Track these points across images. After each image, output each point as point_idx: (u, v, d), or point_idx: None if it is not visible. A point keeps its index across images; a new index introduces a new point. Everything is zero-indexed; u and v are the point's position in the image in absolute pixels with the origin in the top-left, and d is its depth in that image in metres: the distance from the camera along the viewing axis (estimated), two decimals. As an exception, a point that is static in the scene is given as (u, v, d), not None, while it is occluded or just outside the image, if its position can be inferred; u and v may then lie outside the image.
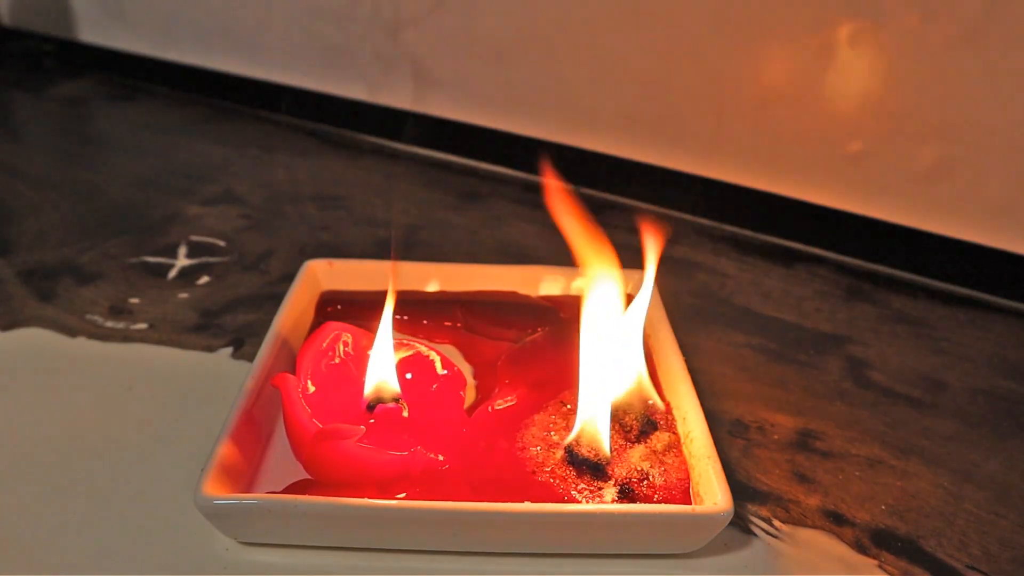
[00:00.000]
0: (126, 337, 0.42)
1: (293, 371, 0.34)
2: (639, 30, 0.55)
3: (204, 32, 0.75)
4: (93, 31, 0.82)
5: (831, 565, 0.31)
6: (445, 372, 0.36)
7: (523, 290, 0.43)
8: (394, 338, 0.35)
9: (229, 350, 0.41)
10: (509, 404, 0.35)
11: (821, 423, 0.38)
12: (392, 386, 0.33)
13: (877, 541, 0.32)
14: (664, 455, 0.32)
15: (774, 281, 0.50)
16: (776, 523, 0.32)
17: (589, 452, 0.31)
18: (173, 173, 0.62)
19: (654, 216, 0.37)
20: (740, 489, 0.34)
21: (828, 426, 0.38)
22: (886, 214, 0.51)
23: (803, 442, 0.37)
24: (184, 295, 0.46)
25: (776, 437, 0.37)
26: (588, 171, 0.61)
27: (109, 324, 0.43)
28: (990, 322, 0.47)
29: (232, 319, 0.44)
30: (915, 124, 0.48)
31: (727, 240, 0.55)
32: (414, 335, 0.40)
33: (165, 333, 0.42)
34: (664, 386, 0.36)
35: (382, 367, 0.34)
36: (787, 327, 0.46)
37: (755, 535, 0.32)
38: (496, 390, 0.36)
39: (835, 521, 0.33)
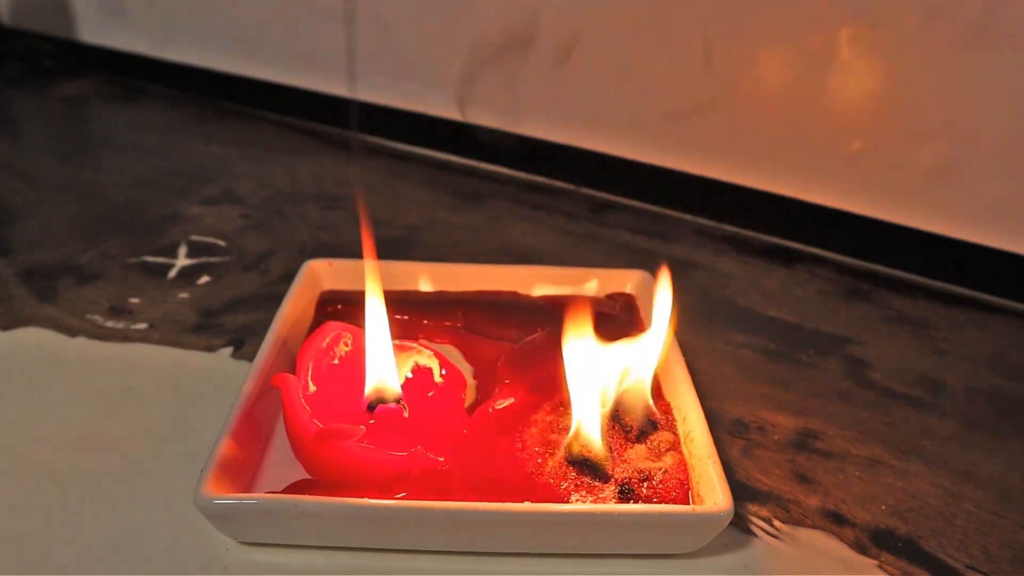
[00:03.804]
0: (126, 337, 0.42)
1: (293, 371, 0.34)
2: (640, 31, 0.55)
3: (204, 32, 0.75)
4: (93, 31, 0.82)
5: (831, 565, 0.31)
6: (445, 373, 0.36)
7: (523, 290, 0.43)
8: (393, 338, 0.35)
9: (229, 350, 0.41)
10: (509, 404, 0.35)
11: (821, 423, 0.38)
12: (393, 387, 0.33)
13: (877, 541, 0.32)
14: (664, 455, 0.32)
15: (774, 281, 0.50)
16: (776, 523, 0.32)
17: (589, 453, 0.31)
18: (173, 173, 0.62)
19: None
20: (740, 489, 0.34)
21: (828, 426, 0.38)
22: (886, 214, 0.51)
23: (803, 442, 0.37)
24: (184, 295, 0.46)
25: (776, 437, 0.37)
26: (588, 171, 0.61)
27: (109, 324, 0.43)
28: (990, 322, 0.47)
29: (232, 319, 0.44)
30: (915, 124, 0.48)
31: (727, 240, 0.55)
32: (415, 335, 0.40)
33: (165, 333, 0.42)
34: (664, 386, 0.36)
35: (382, 368, 0.34)
36: (787, 327, 0.46)
37: (755, 535, 0.32)
38: (496, 390, 0.36)
39: (835, 521, 0.33)
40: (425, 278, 0.43)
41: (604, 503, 0.30)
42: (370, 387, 0.33)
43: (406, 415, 0.33)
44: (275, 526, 0.29)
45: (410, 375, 0.35)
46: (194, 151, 0.67)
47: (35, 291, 0.46)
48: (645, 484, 0.31)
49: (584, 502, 0.30)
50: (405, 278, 0.43)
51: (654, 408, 0.34)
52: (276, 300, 0.40)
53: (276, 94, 0.73)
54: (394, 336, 0.35)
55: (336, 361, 0.35)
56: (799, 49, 0.50)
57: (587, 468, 0.31)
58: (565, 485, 0.31)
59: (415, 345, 0.37)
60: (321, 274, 0.43)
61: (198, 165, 0.64)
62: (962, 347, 0.44)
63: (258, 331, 0.42)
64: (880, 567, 0.31)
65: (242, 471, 0.31)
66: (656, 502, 0.30)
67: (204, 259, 0.50)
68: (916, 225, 0.50)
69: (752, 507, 0.33)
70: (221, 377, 0.39)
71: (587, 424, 0.32)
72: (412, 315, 0.41)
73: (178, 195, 0.59)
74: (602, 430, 0.32)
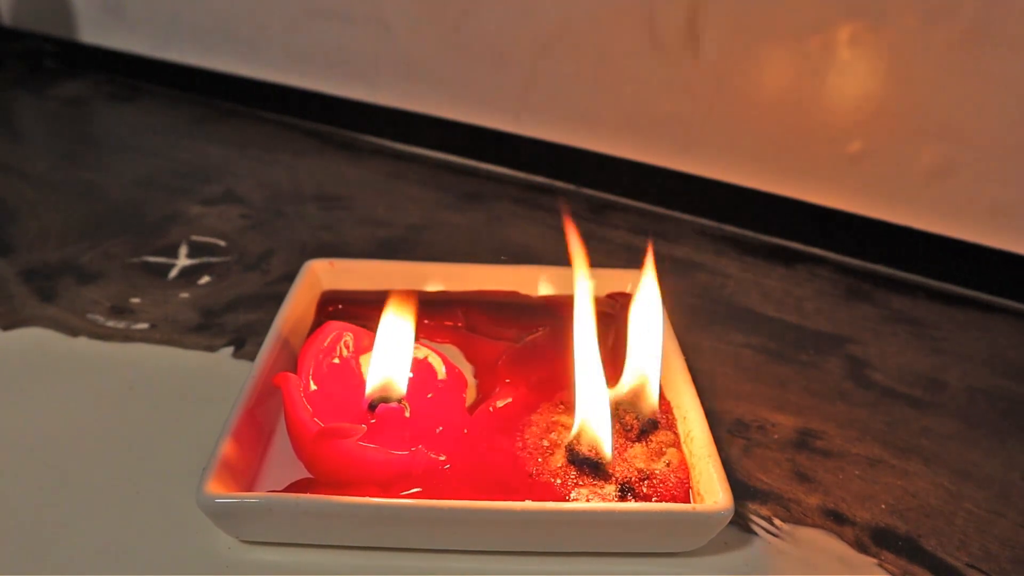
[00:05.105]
0: (127, 337, 0.42)
1: (294, 370, 0.34)
2: (639, 31, 0.55)
3: (204, 32, 0.75)
4: (93, 31, 0.82)
5: (831, 564, 0.31)
6: (446, 372, 0.36)
7: (524, 290, 0.43)
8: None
9: (230, 350, 0.41)
10: (510, 404, 0.35)
11: (821, 423, 0.38)
12: (399, 386, 0.33)
13: (877, 540, 0.32)
14: (664, 454, 0.32)
15: (774, 281, 0.50)
16: (776, 522, 0.32)
17: (590, 451, 0.31)
18: (173, 173, 0.62)
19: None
20: (740, 488, 0.34)
21: (828, 426, 0.38)
22: (886, 214, 0.51)
23: (803, 441, 0.37)
24: (185, 295, 0.46)
25: (776, 436, 0.37)
26: (588, 171, 0.61)
27: (110, 324, 0.43)
28: (990, 322, 0.47)
29: (233, 319, 0.44)
30: (915, 124, 0.48)
31: (727, 240, 0.55)
32: (416, 335, 0.40)
33: (166, 333, 0.42)
34: (664, 385, 0.36)
35: (394, 367, 0.34)
36: (787, 327, 0.46)
37: (755, 534, 0.32)
38: (497, 390, 0.36)
39: (835, 520, 0.33)
40: (426, 278, 0.43)
41: (605, 502, 0.30)
42: (373, 386, 0.33)
43: (407, 414, 0.33)
44: (276, 525, 0.29)
45: (411, 375, 0.35)
46: (194, 151, 0.67)
47: (36, 291, 0.46)
48: (645, 483, 0.31)
49: (585, 501, 0.30)
50: (407, 278, 0.43)
51: (656, 407, 0.34)
52: (277, 300, 0.41)
53: (276, 94, 0.73)
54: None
55: (337, 360, 0.35)
56: (799, 49, 0.50)
57: (588, 467, 0.31)
58: (566, 484, 0.31)
59: (416, 345, 0.37)
60: (322, 274, 0.43)
61: (198, 165, 0.64)
62: (962, 347, 0.45)
63: (259, 331, 0.42)
64: (880, 566, 0.31)
65: (244, 470, 0.31)
66: (656, 501, 0.30)
67: (205, 259, 0.50)
68: (916, 225, 0.50)
69: (752, 506, 0.33)
70: (222, 377, 0.39)
71: (593, 423, 0.32)
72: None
73: (179, 195, 0.59)
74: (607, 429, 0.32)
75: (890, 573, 0.30)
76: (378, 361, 0.34)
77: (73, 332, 0.42)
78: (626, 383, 0.34)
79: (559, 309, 0.42)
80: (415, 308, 0.36)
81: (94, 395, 0.38)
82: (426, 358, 0.36)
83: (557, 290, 0.43)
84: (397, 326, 0.35)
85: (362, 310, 0.41)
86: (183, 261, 0.50)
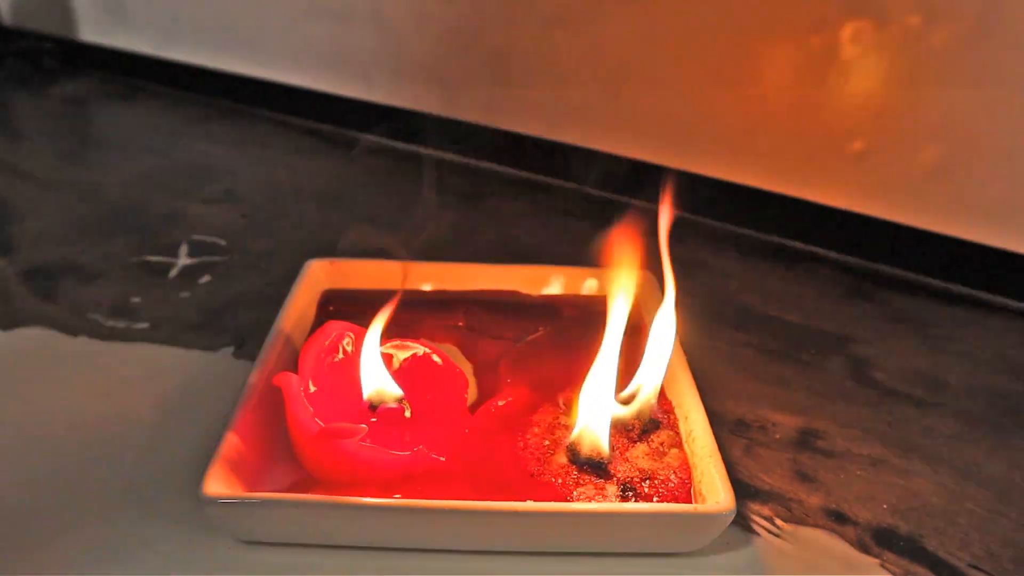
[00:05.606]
0: (128, 336, 0.42)
1: (295, 370, 0.34)
2: (640, 30, 0.55)
3: (205, 32, 0.75)
4: (93, 31, 0.82)
5: (833, 564, 0.31)
6: (447, 372, 0.36)
7: (524, 290, 0.43)
8: (392, 340, 0.35)
9: (231, 349, 0.41)
10: (511, 404, 0.35)
11: (823, 422, 0.38)
12: (392, 390, 0.33)
13: (879, 540, 0.32)
14: (666, 454, 0.32)
15: (775, 281, 0.50)
16: (778, 522, 0.32)
17: (591, 451, 0.31)
18: (174, 173, 0.62)
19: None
20: (742, 488, 0.34)
21: (830, 425, 0.38)
22: (887, 213, 0.51)
23: (805, 441, 0.37)
24: (185, 294, 0.46)
25: (778, 436, 0.37)
26: (588, 171, 0.61)
27: (111, 323, 0.43)
28: (991, 321, 0.47)
29: (233, 318, 0.44)
30: (915, 124, 0.48)
31: (728, 240, 0.55)
32: (416, 335, 0.40)
33: (167, 332, 0.42)
34: (666, 385, 0.36)
35: (375, 373, 0.34)
36: (788, 326, 0.46)
37: (757, 534, 0.32)
38: (498, 390, 0.36)
39: (837, 520, 0.33)
40: (426, 277, 0.43)
41: (606, 502, 0.30)
42: (370, 391, 0.33)
43: (408, 415, 0.33)
44: (277, 525, 0.29)
45: (411, 375, 0.35)
46: (195, 151, 0.67)
47: (36, 290, 0.46)
48: (647, 483, 0.31)
49: (586, 501, 0.30)
50: (407, 277, 0.43)
51: (656, 407, 0.34)
52: (277, 300, 0.40)
53: (276, 93, 0.73)
54: (393, 336, 0.35)
55: (338, 360, 0.35)
56: (800, 49, 0.50)
57: (589, 467, 0.31)
58: (567, 484, 0.31)
59: (417, 345, 0.37)
60: (322, 274, 0.43)
61: (199, 165, 0.64)
62: (963, 346, 0.44)
63: (259, 331, 0.42)
64: (882, 566, 0.31)
65: (244, 470, 0.31)
66: (658, 501, 0.30)
67: (205, 258, 0.50)
68: (917, 224, 0.50)
69: (754, 506, 0.33)
70: (223, 376, 0.39)
71: (594, 424, 0.32)
72: (414, 314, 0.41)
73: (179, 195, 0.59)
74: (608, 430, 0.32)
75: (892, 573, 0.30)
76: (368, 368, 0.34)
77: (73, 332, 0.42)
78: (628, 389, 0.34)
79: (561, 308, 0.42)
80: (392, 308, 0.35)
81: (94, 394, 0.38)
82: (427, 355, 0.36)
83: (558, 290, 0.43)
84: (378, 335, 0.35)
85: (362, 310, 0.41)
86: (183, 260, 0.50)
